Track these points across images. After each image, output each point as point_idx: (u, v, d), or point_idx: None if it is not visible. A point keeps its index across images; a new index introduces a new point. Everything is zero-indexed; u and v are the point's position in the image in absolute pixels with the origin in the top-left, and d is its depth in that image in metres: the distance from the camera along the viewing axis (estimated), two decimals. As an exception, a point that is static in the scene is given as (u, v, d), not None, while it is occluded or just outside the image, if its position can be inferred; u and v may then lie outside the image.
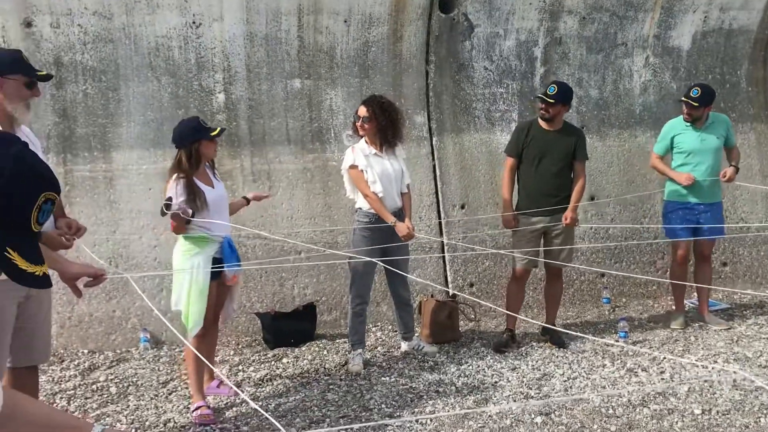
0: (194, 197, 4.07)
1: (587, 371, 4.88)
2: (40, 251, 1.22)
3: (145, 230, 5.57)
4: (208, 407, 4.21)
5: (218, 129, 4.27)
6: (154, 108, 5.58)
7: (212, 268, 4.16)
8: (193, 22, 5.57)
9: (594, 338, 5.39)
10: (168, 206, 3.97)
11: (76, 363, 5.14)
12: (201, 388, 4.27)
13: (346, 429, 3.99)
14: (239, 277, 4.40)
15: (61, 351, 5.32)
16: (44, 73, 3.34)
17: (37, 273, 1.20)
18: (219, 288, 4.28)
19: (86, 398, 4.52)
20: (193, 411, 4.18)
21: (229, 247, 4.25)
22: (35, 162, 1.21)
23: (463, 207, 6.38)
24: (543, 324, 5.57)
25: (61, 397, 4.53)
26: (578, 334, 4.96)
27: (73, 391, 4.62)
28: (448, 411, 4.24)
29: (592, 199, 6.72)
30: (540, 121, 5.37)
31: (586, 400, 4.37)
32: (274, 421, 2.22)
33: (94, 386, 4.72)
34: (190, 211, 4.00)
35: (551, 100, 5.22)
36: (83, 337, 5.44)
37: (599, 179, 6.77)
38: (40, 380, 3.94)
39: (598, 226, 6.72)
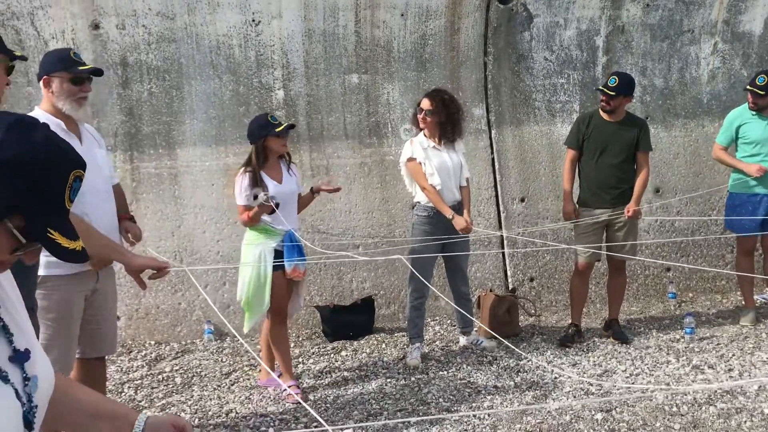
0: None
1: (651, 368, 4.75)
2: (74, 227, 1.27)
3: (208, 225, 5.71)
4: (298, 387, 4.45)
5: (283, 125, 4.35)
6: (215, 106, 5.71)
7: (276, 261, 4.31)
8: (253, 20, 5.67)
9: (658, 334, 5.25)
10: (256, 196, 4.17)
11: (143, 354, 5.32)
12: (289, 368, 4.49)
13: (403, 422, 4.01)
14: (302, 272, 4.45)
15: (129, 342, 5.51)
16: (88, 67, 3.34)
17: (76, 249, 1.25)
18: (283, 280, 4.37)
19: (152, 388, 4.67)
20: (284, 389, 4.42)
21: (290, 241, 4.34)
22: (62, 142, 1.26)
23: (523, 200, 6.30)
24: (607, 319, 5.46)
25: (129, 387, 4.69)
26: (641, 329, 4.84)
27: (140, 381, 4.78)
28: (506, 406, 4.21)
29: (657, 191, 6.54)
30: (601, 112, 5.25)
31: (649, 397, 4.26)
32: (316, 415, 2.24)
33: (160, 376, 4.87)
34: (275, 202, 4.19)
35: (612, 92, 5.09)
36: (150, 329, 5.62)
37: (664, 171, 6.57)
38: (109, 370, 4.11)
39: (664, 219, 6.52)
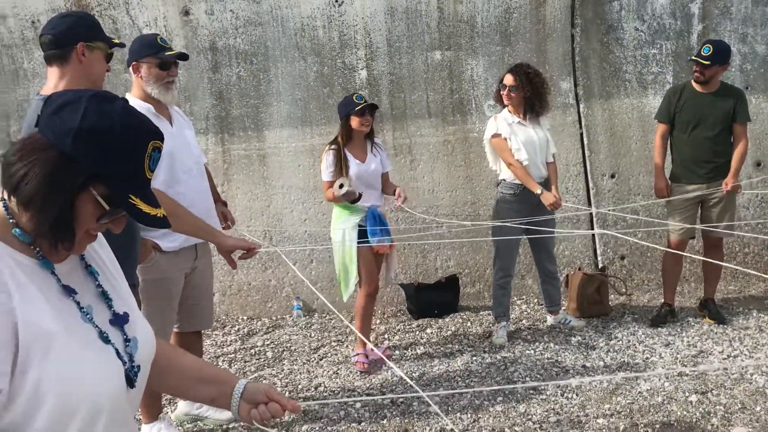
0: (339, 168, 4.39)
1: (750, 349, 4.55)
2: (155, 196, 1.35)
3: (295, 204, 5.84)
4: (366, 356, 4.62)
5: (363, 104, 4.41)
6: (301, 87, 5.80)
7: (360, 240, 4.41)
8: (336, 1, 5.71)
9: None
10: (342, 185, 4.30)
11: (236, 329, 5.52)
12: (365, 339, 4.64)
13: (492, 391, 4.01)
14: (388, 246, 4.55)
15: (223, 317, 5.73)
16: (174, 52, 3.45)
17: (158, 215, 1.32)
18: (369, 255, 4.47)
19: (245, 362, 4.85)
20: (354, 356, 4.66)
21: (373, 217, 4.41)
22: (139, 114, 1.33)
23: (613, 176, 6.12)
24: (702, 298, 5.26)
25: (223, 360, 4.89)
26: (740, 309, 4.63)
27: (233, 355, 4.98)
28: (596, 386, 4.13)
29: (759, 165, 6.20)
30: (694, 83, 5.01)
31: (748, 380, 4.08)
32: (419, 390, 2.27)
33: (252, 350, 5.05)
34: (357, 193, 4.32)
35: (706, 62, 4.85)
36: (242, 305, 5.82)
37: (766, 143, 6.22)
38: (204, 344, 4.30)
39: (765, 193, 6.19)
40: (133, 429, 1.46)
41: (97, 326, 1.34)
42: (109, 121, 1.26)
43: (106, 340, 1.35)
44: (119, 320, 1.40)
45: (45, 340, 1.24)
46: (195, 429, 3.84)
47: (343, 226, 4.47)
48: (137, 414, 3.67)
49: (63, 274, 1.34)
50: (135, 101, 3.37)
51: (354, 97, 4.46)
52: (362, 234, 4.43)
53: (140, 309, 3.32)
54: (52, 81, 2.83)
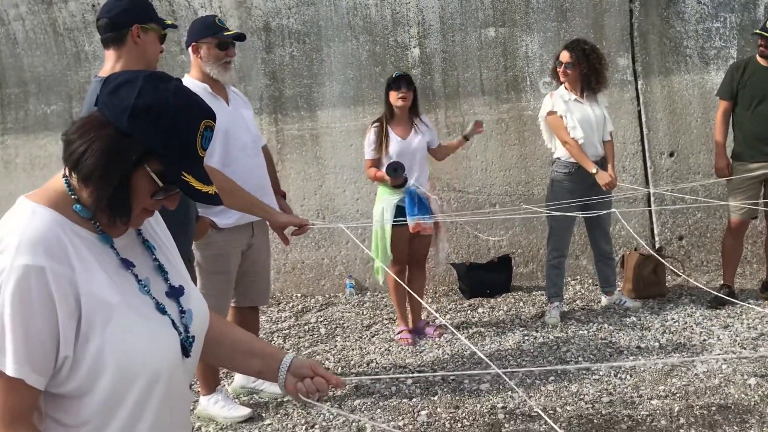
0: (380, 144, 4.47)
1: (815, 333, 4.41)
2: (207, 173, 1.39)
3: (347, 184, 5.88)
4: (409, 332, 4.72)
5: (397, 78, 4.48)
6: (353, 66, 5.82)
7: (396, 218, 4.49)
8: (388, -21, 5.68)
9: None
10: (395, 170, 4.36)
11: (290, 306, 5.63)
12: (403, 315, 4.76)
13: (546, 370, 4.00)
14: (426, 227, 4.54)
15: (278, 294, 5.84)
16: (232, 32, 3.55)
17: (209, 192, 1.36)
18: (404, 234, 4.50)
19: (299, 338, 4.95)
20: (397, 334, 4.75)
21: (411, 197, 4.43)
22: (192, 94, 1.37)
23: (672, 155, 5.96)
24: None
25: (278, 336, 4.99)
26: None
27: (288, 331, 5.08)
28: (650, 367, 4.07)
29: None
30: (758, 57, 4.82)
31: (811, 365, 3.96)
32: (482, 355, 2.28)
33: (305, 327, 5.14)
34: (404, 178, 4.38)
35: (772, 35, 4.66)
36: (296, 282, 5.92)
37: (837, 119, 5.95)
38: (260, 320, 4.40)
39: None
40: (188, 396, 1.52)
41: (154, 298, 1.40)
42: (163, 100, 1.30)
43: (162, 311, 1.40)
44: (175, 292, 1.46)
45: (105, 310, 1.30)
46: (251, 401, 3.95)
47: (383, 204, 4.53)
48: (195, 385, 3.79)
49: (121, 248, 1.40)
50: (191, 81, 3.45)
51: (393, 75, 4.55)
52: (402, 213, 4.47)
53: (196, 284, 3.42)
54: (110, 63, 2.91)
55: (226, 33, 3.49)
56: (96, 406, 1.31)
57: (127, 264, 1.39)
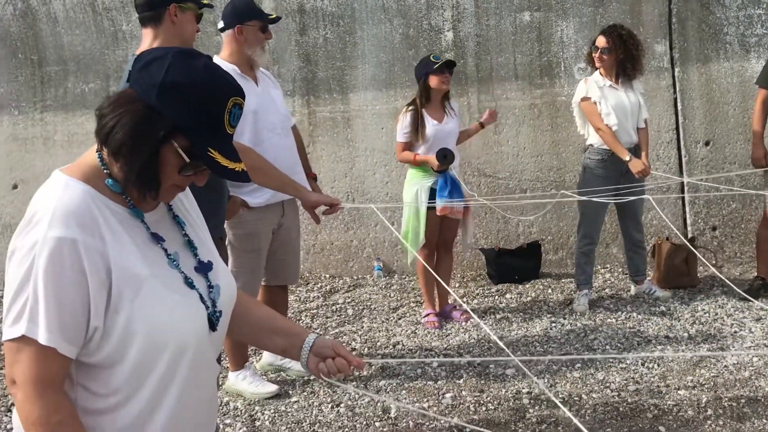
0: (416, 128, 4.48)
1: None
2: (236, 151, 1.40)
3: (378, 167, 5.90)
4: (436, 315, 4.73)
5: (440, 62, 4.42)
6: (386, 50, 5.81)
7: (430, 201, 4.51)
8: (423, -38, 5.65)
9: None
10: (445, 156, 4.37)
11: (319, 286, 5.68)
12: (430, 298, 4.76)
13: (571, 359, 3.99)
14: (455, 210, 4.54)
15: (307, 274, 5.90)
16: (274, 16, 3.66)
17: (236, 169, 1.38)
18: (435, 218, 4.51)
19: (327, 318, 5.00)
20: (423, 317, 4.76)
21: (444, 180, 4.43)
22: (221, 71, 1.38)
23: (707, 144, 5.85)
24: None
25: (306, 315, 5.05)
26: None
27: (316, 311, 5.14)
28: (679, 357, 4.03)
29: None
30: (804, 44, 4.70)
31: None
32: (502, 345, 2.29)
33: (333, 307, 5.19)
34: (448, 165, 4.42)
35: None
36: (325, 263, 5.97)
37: None
38: (289, 299, 4.46)
39: None
40: (215, 370, 1.56)
41: (182, 272, 1.43)
42: (192, 76, 1.32)
43: (191, 285, 1.44)
44: (204, 268, 1.49)
45: (135, 282, 1.34)
46: (278, 378, 4.01)
47: (415, 187, 4.53)
48: (225, 360, 3.86)
49: (152, 222, 1.43)
50: (221, 62, 3.49)
51: (431, 57, 4.53)
52: (433, 196, 4.49)
53: (227, 262, 3.48)
54: (147, 42, 2.96)
55: (270, 16, 3.59)
56: (125, 376, 1.35)
57: (157, 238, 1.42)
